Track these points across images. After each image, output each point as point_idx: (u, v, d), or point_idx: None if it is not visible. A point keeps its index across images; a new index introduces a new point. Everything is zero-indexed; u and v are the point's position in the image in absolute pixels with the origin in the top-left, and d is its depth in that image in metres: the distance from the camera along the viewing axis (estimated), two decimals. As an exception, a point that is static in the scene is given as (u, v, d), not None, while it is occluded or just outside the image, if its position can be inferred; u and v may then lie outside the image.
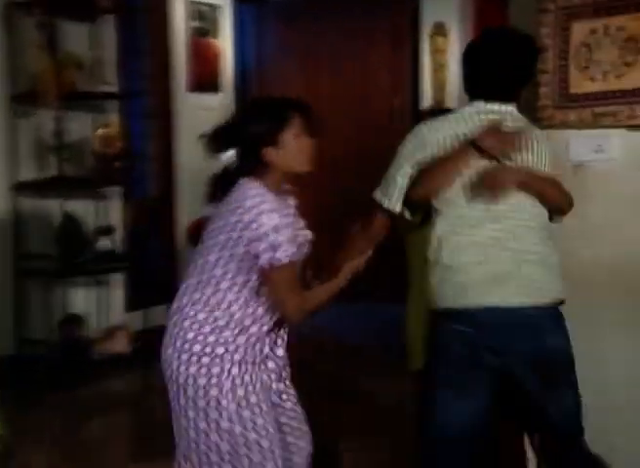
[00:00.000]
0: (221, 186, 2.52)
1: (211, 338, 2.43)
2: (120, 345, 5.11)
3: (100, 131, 5.10)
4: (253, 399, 2.44)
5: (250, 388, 2.44)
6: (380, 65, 6.01)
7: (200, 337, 2.44)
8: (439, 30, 6.24)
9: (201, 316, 2.45)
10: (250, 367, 2.45)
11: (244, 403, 2.42)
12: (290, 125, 2.46)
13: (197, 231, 5.84)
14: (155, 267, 5.93)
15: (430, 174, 2.52)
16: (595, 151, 3.31)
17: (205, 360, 2.42)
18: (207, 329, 2.44)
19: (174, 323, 2.54)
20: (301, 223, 2.58)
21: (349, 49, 6.33)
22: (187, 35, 6.04)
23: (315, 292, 2.51)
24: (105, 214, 5.35)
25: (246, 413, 2.42)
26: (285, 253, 2.35)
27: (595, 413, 2.79)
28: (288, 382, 2.63)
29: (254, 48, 6.64)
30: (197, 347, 2.44)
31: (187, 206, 5.85)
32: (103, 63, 5.10)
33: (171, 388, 2.53)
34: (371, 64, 6.08)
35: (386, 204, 2.60)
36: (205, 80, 6.21)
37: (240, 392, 2.42)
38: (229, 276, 2.43)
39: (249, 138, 2.47)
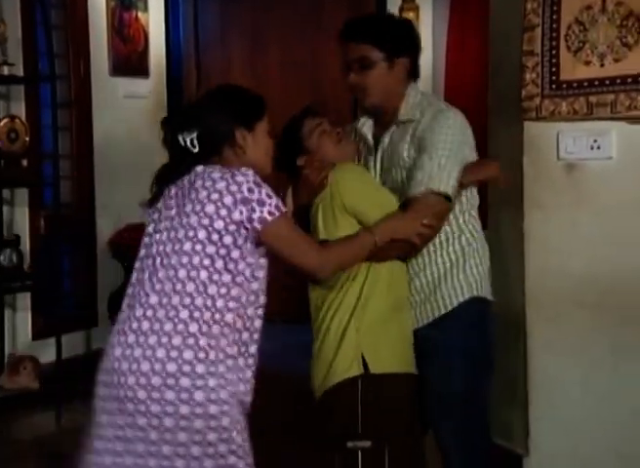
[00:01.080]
0: (172, 177, 2.57)
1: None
2: (26, 380, 5.03)
3: (3, 123, 5.03)
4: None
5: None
6: (337, 46, 6.01)
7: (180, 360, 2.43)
8: (409, 4, 6.27)
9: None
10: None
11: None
12: (264, 119, 2.64)
13: (122, 242, 5.81)
14: (70, 286, 5.86)
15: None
16: (590, 148, 3.34)
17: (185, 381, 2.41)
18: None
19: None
20: None
21: (301, 26, 6.33)
22: (109, 8, 5.99)
23: (348, 242, 2.66)
24: (10, 223, 5.28)
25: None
26: (278, 202, 2.48)
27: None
28: None
29: (190, 24, 6.61)
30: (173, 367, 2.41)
31: (110, 213, 5.80)
32: (5, 41, 5.01)
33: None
34: (326, 44, 6.07)
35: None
36: (131, 62, 6.16)
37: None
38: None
39: (223, 115, 2.59)
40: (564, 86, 3.33)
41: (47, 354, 5.20)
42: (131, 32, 6.18)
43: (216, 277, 2.46)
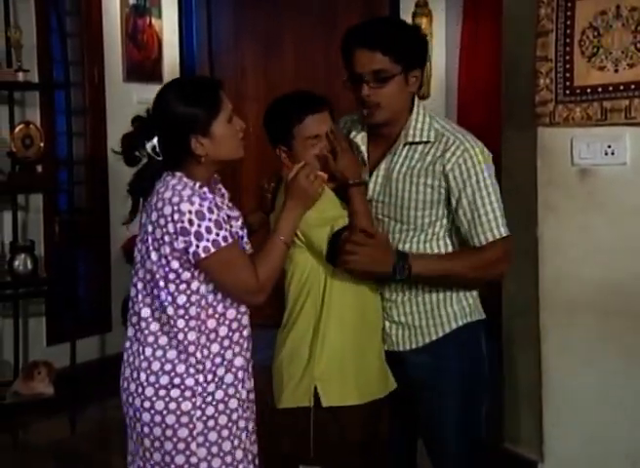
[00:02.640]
0: (146, 184, 2.55)
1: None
2: (40, 385, 5.04)
3: (18, 128, 5.05)
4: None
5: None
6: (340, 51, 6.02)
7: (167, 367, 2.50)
8: (422, 10, 6.27)
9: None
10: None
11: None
12: (221, 110, 2.49)
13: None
14: (84, 292, 5.88)
15: None
16: (604, 153, 3.33)
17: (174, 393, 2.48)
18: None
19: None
20: (237, 214, 2.65)
21: (315, 32, 6.34)
22: (123, 14, 6.01)
23: (266, 257, 2.55)
24: (24, 229, 5.30)
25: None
26: (217, 237, 2.41)
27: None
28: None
29: (203, 30, 6.63)
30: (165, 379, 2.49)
31: (123, 218, 5.80)
32: (20, 47, 5.03)
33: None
34: (340, 50, 6.09)
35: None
36: (144, 68, 6.18)
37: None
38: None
39: (175, 126, 2.48)
40: (578, 91, 3.32)
41: (61, 359, 5.19)
42: (145, 38, 6.20)
43: (170, 298, 2.48)
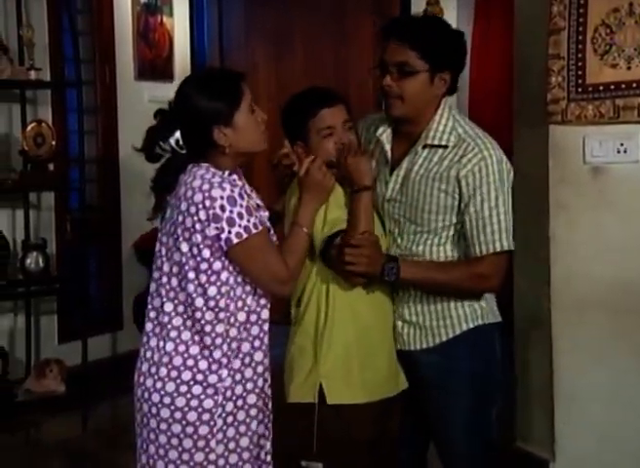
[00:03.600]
0: (170, 179, 2.55)
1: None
2: (52, 383, 5.06)
3: (30, 127, 5.06)
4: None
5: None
6: (362, 50, 6.01)
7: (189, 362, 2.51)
8: (433, 8, 6.26)
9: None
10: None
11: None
12: (243, 100, 2.51)
13: (147, 247, 5.85)
14: (96, 290, 5.89)
15: None
16: (616, 152, 3.32)
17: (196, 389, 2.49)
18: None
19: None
20: (263, 205, 2.65)
21: (325, 30, 6.34)
22: (134, 13, 6.02)
23: (291, 247, 2.59)
24: (36, 227, 5.31)
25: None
26: (248, 223, 2.42)
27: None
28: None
29: (214, 29, 6.64)
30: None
31: (135, 217, 5.81)
32: (32, 46, 5.05)
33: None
34: (352, 48, 6.09)
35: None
36: (156, 67, 6.19)
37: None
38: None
39: (198, 118, 2.50)
40: (590, 89, 3.31)
41: (73, 357, 5.22)
42: (156, 37, 6.21)
43: (200, 290, 2.48)
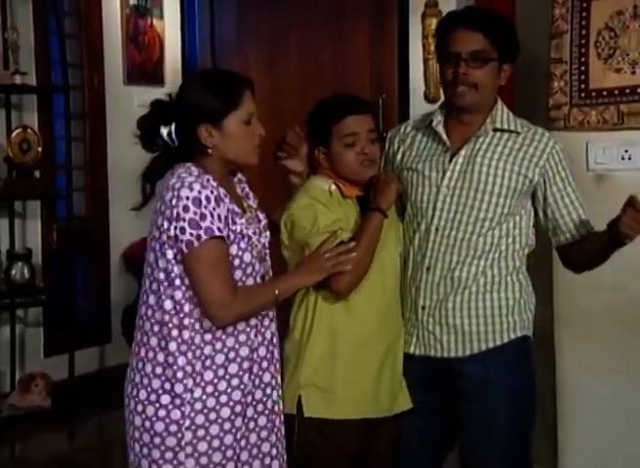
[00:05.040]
0: (158, 170, 2.56)
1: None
2: (38, 398, 5.05)
3: (15, 133, 5.07)
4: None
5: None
6: (360, 52, 6.01)
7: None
8: (432, 10, 6.26)
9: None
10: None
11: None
12: (240, 107, 2.50)
13: (136, 256, 5.83)
14: (83, 302, 5.88)
15: None
16: (621, 158, 3.33)
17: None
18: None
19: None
20: (259, 219, 2.63)
21: (322, 33, 6.33)
22: (123, 15, 6.02)
23: (254, 291, 2.54)
24: (22, 236, 5.31)
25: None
26: (208, 230, 2.39)
27: None
28: None
29: (206, 31, 6.63)
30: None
31: (124, 226, 5.81)
32: (18, 49, 5.05)
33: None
34: (348, 51, 6.09)
35: None
36: (146, 71, 6.18)
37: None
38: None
39: (188, 110, 2.50)
40: (593, 94, 3.32)
41: (59, 371, 5.21)
42: (146, 40, 6.21)
43: (170, 291, 2.47)
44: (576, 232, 2.79)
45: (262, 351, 2.58)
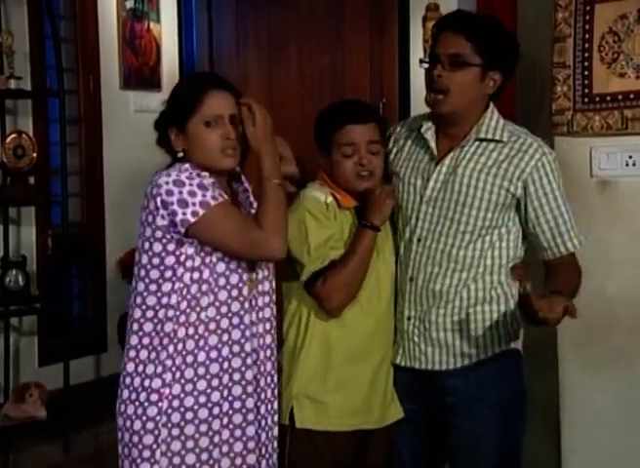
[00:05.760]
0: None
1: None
2: (32, 408, 5.04)
3: (10, 138, 5.07)
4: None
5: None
6: (360, 56, 6.01)
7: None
8: (433, 14, 6.27)
9: None
10: None
11: None
12: (199, 109, 2.50)
13: (133, 263, 5.84)
14: (79, 310, 5.88)
15: None
16: (625, 164, 3.33)
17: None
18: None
19: None
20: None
21: (320, 38, 6.34)
22: (120, 19, 6.03)
23: (260, 208, 2.50)
24: (16, 243, 5.31)
25: None
26: (204, 198, 2.39)
27: None
28: None
29: (204, 35, 6.64)
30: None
31: (120, 233, 5.81)
32: (12, 53, 5.05)
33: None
34: (348, 55, 6.10)
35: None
36: (142, 75, 6.19)
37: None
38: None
39: (162, 115, 2.58)
40: (597, 99, 3.32)
41: (54, 381, 5.19)
42: (142, 44, 6.21)
43: (153, 287, 2.48)
44: (554, 251, 2.77)
45: (254, 358, 2.57)
